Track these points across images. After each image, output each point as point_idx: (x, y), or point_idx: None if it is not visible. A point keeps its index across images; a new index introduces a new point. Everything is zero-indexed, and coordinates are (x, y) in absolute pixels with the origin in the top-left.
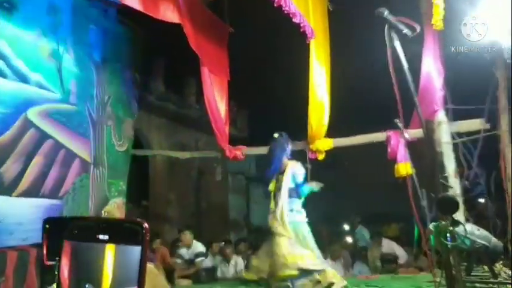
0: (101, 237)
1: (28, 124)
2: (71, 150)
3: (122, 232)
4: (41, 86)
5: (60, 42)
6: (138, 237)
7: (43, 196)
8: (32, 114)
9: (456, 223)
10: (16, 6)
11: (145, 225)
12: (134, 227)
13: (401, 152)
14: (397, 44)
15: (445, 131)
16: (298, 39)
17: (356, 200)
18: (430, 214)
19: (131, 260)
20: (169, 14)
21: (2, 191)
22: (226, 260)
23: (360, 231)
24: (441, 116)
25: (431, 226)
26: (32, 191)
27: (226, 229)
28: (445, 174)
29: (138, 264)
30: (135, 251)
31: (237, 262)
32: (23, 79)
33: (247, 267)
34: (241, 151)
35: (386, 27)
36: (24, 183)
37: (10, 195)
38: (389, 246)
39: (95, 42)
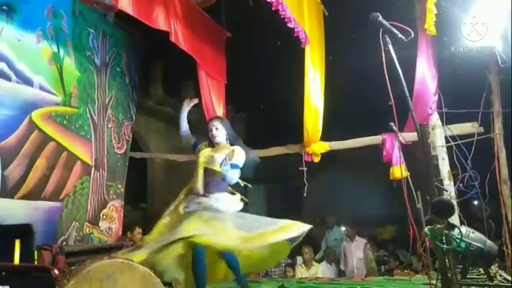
0: None
1: (32, 126)
2: (72, 153)
3: (26, 281)
4: (43, 89)
5: (60, 45)
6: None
7: (44, 199)
8: (36, 116)
9: (452, 226)
10: (16, 9)
11: (55, 272)
12: (41, 275)
13: (396, 155)
14: (391, 49)
15: (439, 134)
16: (295, 43)
17: (351, 202)
18: (426, 217)
19: None
20: (160, 21)
21: (5, 193)
22: None
23: (336, 231)
24: (435, 119)
25: (426, 230)
26: (34, 194)
27: None
28: (440, 177)
29: None
30: None
31: None
32: (26, 82)
33: None
34: None
35: (380, 32)
36: (27, 186)
37: (13, 198)
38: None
39: (95, 46)
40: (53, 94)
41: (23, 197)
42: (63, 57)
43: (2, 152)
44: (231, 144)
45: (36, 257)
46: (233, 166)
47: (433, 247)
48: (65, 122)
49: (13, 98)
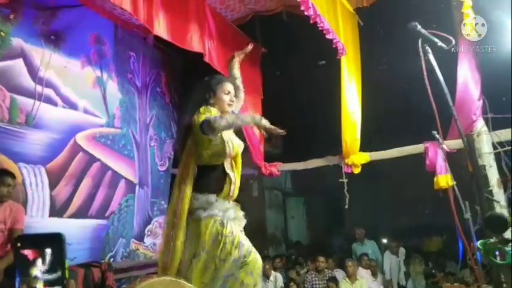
0: None
1: (77, 148)
2: (117, 172)
3: None
4: (87, 112)
5: (103, 70)
6: None
7: (91, 217)
8: (80, 138)
9: (506, 241)
10: (62, 37)
11: None
12: None
13: (440, 164)
14: (431, 57)
15: (485, 141)
16: (329, 55)
17: (393, 212)
18: (475, 227)
19: None
20: (195, 43)
21: (54, 212)
22: (266, 276)
23: (368, 244)
24: (480, 125)
25: (478, 244)
26: (81, 212)
27: (264, 244)
28: (490, 188)
29: None
30: None
31: (277, 278)
32: (71, 106)
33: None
34: (277, 167)
35: (420, 41)
36: (74, 205)
37: (61, 217)
38: None
39: (136, 68)
40: (97, 116)
41: (71, 216)
42: (107, 81)
43: (50, 174)
44: None
45: (67, 266)
46: None
47: (485, 261)
48: (109, 142)
49: (59, 122)
